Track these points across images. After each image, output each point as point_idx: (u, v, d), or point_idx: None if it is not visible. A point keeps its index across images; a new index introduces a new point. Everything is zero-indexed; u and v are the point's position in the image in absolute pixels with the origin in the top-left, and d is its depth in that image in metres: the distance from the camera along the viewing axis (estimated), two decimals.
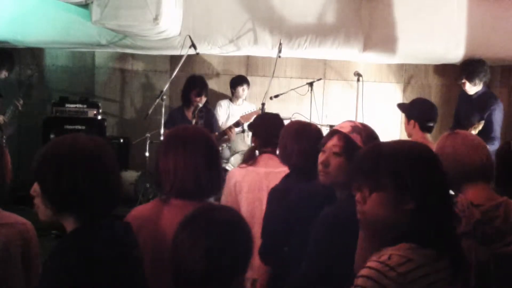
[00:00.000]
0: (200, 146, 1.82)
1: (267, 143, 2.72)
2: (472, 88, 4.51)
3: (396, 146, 1.39)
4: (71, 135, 1.50)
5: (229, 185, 2.71)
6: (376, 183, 1.33)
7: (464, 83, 4.51)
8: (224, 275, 1.30)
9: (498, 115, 4.37)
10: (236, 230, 1.35)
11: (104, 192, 1.44)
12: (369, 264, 1.28)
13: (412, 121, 3.19)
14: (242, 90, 5.46)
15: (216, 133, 4.85)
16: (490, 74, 4.62)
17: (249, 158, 2.79)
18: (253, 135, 3.04)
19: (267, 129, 2.75)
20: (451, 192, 1.93)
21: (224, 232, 1.32)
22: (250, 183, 2.64)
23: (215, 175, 1.85)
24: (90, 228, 1.44)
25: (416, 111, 3.21)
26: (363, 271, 1.28)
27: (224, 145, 4.99)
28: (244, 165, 2.75)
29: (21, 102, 5.03)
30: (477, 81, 4.46)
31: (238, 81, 5.48)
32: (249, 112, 5.02)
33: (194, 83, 4.96)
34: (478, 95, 4.53)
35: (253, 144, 2.97)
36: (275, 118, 2.88)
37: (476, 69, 4.46)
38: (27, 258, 1.87)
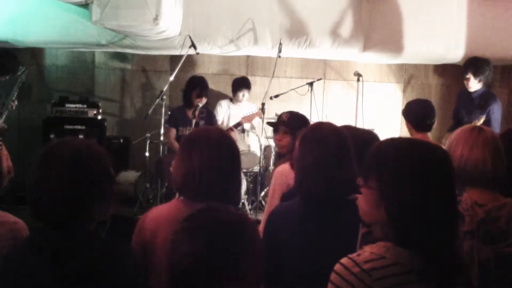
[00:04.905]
0: (225, 148, 1.79)
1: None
2: (476, 85, 4.54)
3: (389, 144, 1.38)
4: (71, 139, 1.50)
5: (285, 181, 2.54)
6: (364, 178, 1.36)
7: (468, 79, 4.53)
8: (219, 276, 1.27)
9: (497, 113, 4.41)
10: (237, 232, 1.31)
11: (55, 199, 1.39)
12: (341, 259, 1.30)
13: (407, 124, 3.28)
14: (242, 95, 5.45)
15: None
16: (492, 75, 4.65)
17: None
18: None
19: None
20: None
21: (223, 233, 1.29)
22: None
23: (239, 176, 1.83)
24: (30, 236, 1.44)
25: (407, 113, 3.31)
26: (335, 266, 1.29)
27: None
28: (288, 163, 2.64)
29: (16, 102, 5.00)
30: (482, 78, 4.51)
31: (239, 86, 5.44)
32: (251, 113, 5.05)
33: (195, 84, 5.00)
34: (478, 94, 4.56)
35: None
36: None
37: (482, 66, 4.50)
38: None
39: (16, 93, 4.92)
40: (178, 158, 1.82)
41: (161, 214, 1.78)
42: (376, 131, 2.41)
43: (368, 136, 2.20)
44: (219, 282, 1.27)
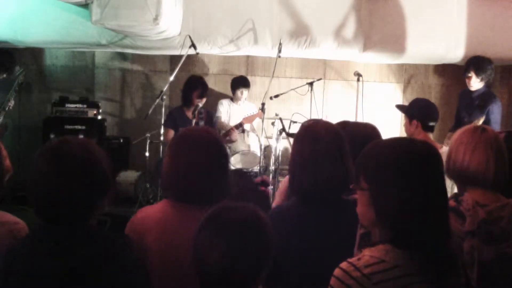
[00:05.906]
0: (213, 149, 1.77)
1: None
2: (477, 84, 4.52)
3: (376, 145, 1.37)
4: (70, 138, 1.50)
5: None
6: (357, 182, 1.36)
7: (470, 77, 4.51)
8: (245, 274, 1.30)
9: (497, 113, 4.40)
10: (253, 229, 1.33)
11: (55, 198, 1.40)
12: (341, 264, 1.29)
13: (414, 121, 3.14)
14: (241, 93, 5.47)
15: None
16: (494, 75, 4.63)
17: None
18: None
19: None
20: (454, 191, 1.93)
21: (240, 232, 1.31)
22: None
23: (227, 178, 1.82)
24: (32, 233, 1.44)
25: (418, 111, 3.17)
26: (335, 271, 1.29)
27: (227, 145, 5.01)
28: None
29: (13, 103, 4.99)
30: (483, 77, 4.48)
31: (238, 84, 5.48)
32: (251, 114, 5.05)
33: (196, 84, 4.99)
34: (479, 94, 4.54)
35: None
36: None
37: (485, 64, 4.49)
38: None
39: (14, 94, 4.92)
40: (165, 158, 1.81)
41: (147, 217, 1.76)
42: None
43: (366, 134, 2.18)
44: (243, 278, 1.31)
